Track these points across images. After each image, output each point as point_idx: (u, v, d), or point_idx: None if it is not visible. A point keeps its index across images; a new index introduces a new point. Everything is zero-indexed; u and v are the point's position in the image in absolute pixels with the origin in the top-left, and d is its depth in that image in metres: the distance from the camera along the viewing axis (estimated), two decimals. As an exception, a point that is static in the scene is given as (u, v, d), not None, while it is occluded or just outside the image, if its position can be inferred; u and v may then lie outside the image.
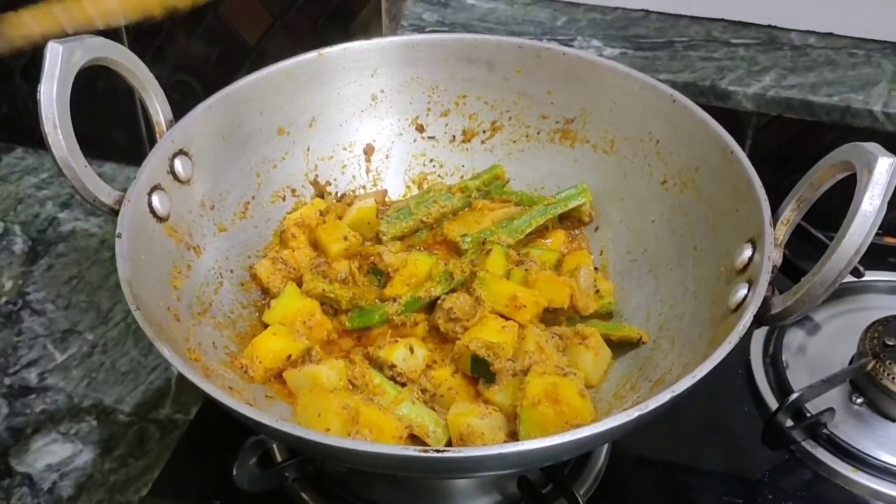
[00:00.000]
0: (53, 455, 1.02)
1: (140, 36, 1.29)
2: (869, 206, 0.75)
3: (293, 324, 0.97)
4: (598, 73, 1.04)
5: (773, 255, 0.82)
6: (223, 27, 1.28)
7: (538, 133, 1.10)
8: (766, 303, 0.81)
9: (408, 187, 1.14)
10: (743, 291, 0.83)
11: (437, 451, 0.70)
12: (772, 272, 0.81)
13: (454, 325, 0.95)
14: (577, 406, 0.85)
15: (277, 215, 1.07)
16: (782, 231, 0.85)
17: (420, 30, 1.27)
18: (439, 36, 1.13)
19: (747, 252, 0.85)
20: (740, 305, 0.82)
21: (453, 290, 0.98)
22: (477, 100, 1.11)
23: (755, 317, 0.79)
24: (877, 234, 0.77)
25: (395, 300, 0.99)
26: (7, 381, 1.10)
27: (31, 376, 1.10)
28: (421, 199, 1.09)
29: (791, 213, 0.85)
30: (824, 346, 1.09)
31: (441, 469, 0.78)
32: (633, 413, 0.71)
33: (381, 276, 1.03)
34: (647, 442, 1.00)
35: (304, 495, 0.95)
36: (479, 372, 0.91)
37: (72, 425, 1.05)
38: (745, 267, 0.85)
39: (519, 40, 1.09)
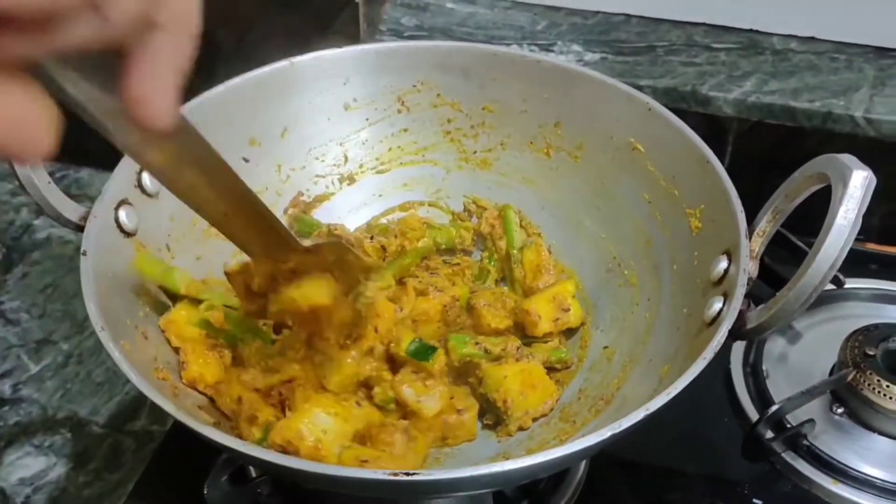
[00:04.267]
0: (27, 468, 1.01)
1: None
2: (843, 221, 0.73)
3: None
4: (573, 80, 1.02)
5: (748, 268, 0.81)
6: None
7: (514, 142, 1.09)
8: (741, 317, 0.79)
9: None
10: (718, 305, 0.81)
11: (408, 473, 0.69)
12: (747, 285, 0.80)
13: None
14: (551, 385, 0.92)
15: (248, 227, 1.05)
16: (758, 243, 0.84)
17: (399, 35, 1.26)
18: (413, 43, 1.11)
19: (723, 264, 0.84)
20: (715, 319, 0.81)
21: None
22: (451, 108, 1.09)
23: (730, 331, 0.78)
24: (859, 241, 0.76)
25: None
26: (-20, 392, 1.08)
27: (5, 388, 1.09)
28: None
29: (767, 224, 0.84)
30: (805, 355, 1.08)
31: (410, 491, 0.76)
32: (606, 433, 0.70)
33: None
34: (625, 452, 1.00)
35: (277, 511, 0.93)
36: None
37: (45, 438, 1.04)
38: (721, 279, 0.84)
39: (493, 48, 1.07)
